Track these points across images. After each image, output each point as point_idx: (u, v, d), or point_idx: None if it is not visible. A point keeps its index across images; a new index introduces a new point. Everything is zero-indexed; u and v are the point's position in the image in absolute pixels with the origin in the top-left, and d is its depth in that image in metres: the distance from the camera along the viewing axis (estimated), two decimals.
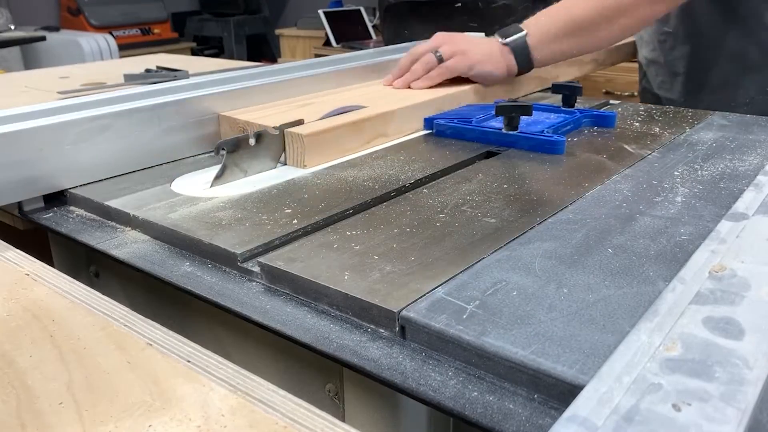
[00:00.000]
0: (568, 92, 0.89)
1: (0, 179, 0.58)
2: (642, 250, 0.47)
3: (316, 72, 0.91)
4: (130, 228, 0.57)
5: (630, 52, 1.33)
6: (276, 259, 0.46)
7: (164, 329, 0.39)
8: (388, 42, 2.28)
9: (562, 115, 0.83)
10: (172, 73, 1.18)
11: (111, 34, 3.28)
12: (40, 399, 0.32)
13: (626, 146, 0.73)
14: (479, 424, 0.33)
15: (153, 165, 0.70)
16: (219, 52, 4.20)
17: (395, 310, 0.39)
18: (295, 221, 0.53)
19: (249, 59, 3.63)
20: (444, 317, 0.38)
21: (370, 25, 3.21)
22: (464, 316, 0.38)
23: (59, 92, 1.03)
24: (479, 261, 0.45)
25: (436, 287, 0.42)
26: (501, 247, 0.48)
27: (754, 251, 0.43)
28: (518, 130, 0.74)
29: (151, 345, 0.37)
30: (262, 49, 4.32)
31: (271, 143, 0.68)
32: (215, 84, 0.80)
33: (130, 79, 1.16)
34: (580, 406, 0.28)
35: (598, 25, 0.89)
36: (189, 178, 0.66)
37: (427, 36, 0.95)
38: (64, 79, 1.21)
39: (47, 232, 0.61)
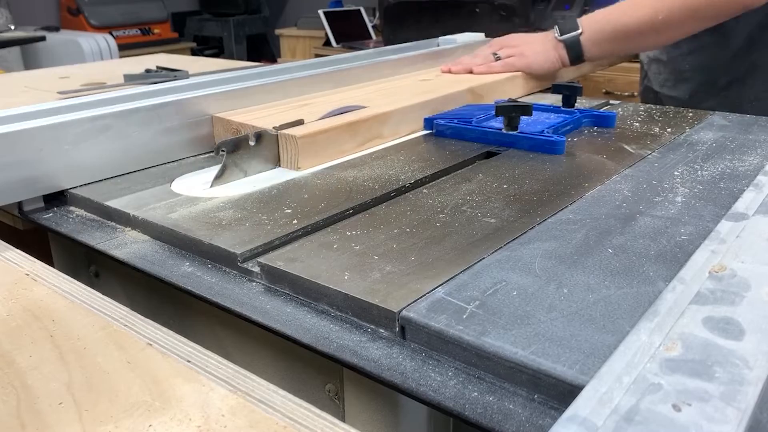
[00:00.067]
0: (568, 92, 0.89)
1: (0, 179, 0.58)
2: (642, 250, 0.47)
3: (316, 72, 0.91)
4: (130, 228, 0.57)
5: None
6: (276, 259, 0.46)
7: (164, 329, 0.39)
8: (388, 42, 2.28)
9: (562, 115, 0.83)
10: (172, 74, 1.18)
11: (111, 34, 3.28)
12: (40, 399, 0.32)
13: (626, 146, 0.73)
14: (479, 424, 0.33)
15: (153, 165, 0.70)
16: (219, 52, 4.20)
17: (395, 311, 0.39)
18: (295, 221, 0.53)
19: (249, 59, 3.64)
20: (444, 317, 0.38)
21: (370, 25, 3.20)
22: (464, 316, 0.38)
23: (59, 92, 1.03)
24: (479, 261, 0.45)
25: (436, 287, 0.42)
26: (501, 247, 0.48)
27: (754, 251, 0.43)
28: (518, 130, 0.74)
29: (151, 345, 0.37)
30: (262, 49, 4.33)
31: (271, 144, 0.68)
32: (215, 84, 0.80)
33: (130, 79, 1.16)
34: (580, 406, 0.28)
35: (646, 35, 0.95)
36: (189, 178, 0.66)
37: (427, 36, 0.96)
38: (64, 79, 1.21)
39: (47, 232, 0.61)
